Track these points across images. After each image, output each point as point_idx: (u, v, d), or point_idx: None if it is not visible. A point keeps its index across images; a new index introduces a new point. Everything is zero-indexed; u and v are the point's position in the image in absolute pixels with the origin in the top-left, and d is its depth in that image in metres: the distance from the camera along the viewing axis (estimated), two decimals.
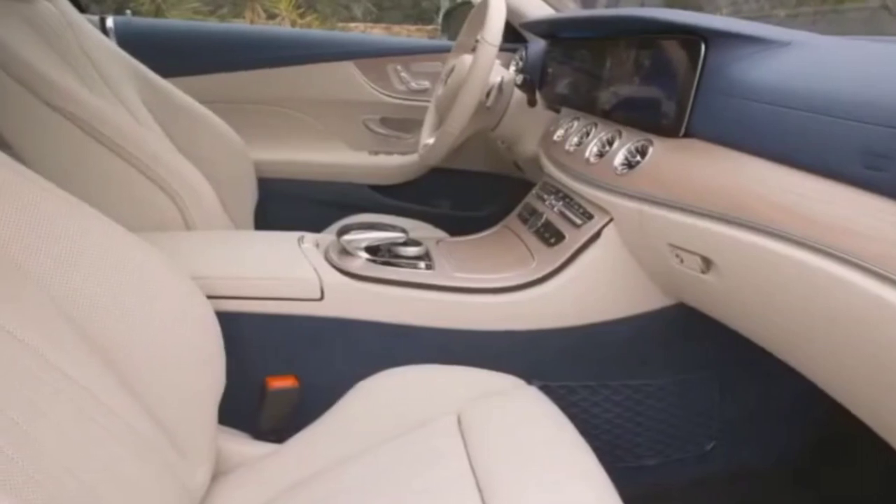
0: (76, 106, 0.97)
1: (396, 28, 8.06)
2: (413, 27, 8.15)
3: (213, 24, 3.19)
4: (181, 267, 0.72)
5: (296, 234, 1.03)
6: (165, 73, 1.31)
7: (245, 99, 1.59)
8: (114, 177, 1.00)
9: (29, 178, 0.60)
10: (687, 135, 0.77)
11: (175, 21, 3.46)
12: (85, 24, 1.19)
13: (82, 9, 1.40)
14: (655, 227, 0.81)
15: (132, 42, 1.38)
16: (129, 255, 0.66)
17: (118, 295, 0.62)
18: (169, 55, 1.48)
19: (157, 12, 6.01)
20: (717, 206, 0.69)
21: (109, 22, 1.48)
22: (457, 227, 1.37)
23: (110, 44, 1.26)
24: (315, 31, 3.98)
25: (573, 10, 1.57)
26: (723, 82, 0.72)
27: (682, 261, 0.78)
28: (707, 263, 0.74)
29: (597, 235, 0.91)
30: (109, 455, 0.53)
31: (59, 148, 0.98)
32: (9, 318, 0.50)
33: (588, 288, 0.93)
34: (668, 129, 0.79)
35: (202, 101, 1.34)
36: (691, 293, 0.86)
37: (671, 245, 0.78)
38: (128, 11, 5.33)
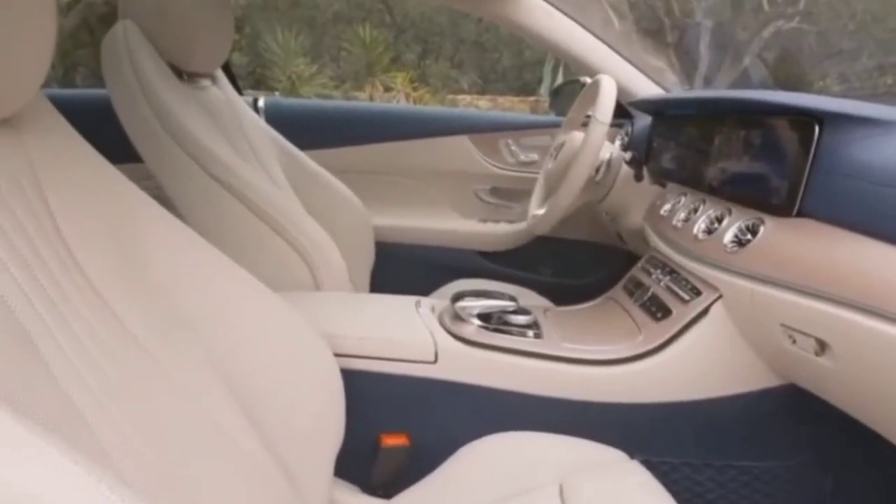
0: (230, 175, 1.10)
1: (500, 99, 8.32)
2: (516, 98, 8.37)
3: (346, 104, 3.64)
4: (313, 325, 0.79)
5: (413, 299, 1.10)
6: (303, 145, 1.48)
7: (369, 169, 1.73)
8: (258, 238, 1.12)
9: (195, 241, 0.70)
10: (800, 214, 0.76)
11: (313, 101, 3.97)
12: (242, 104, 1.37)
13: (240, 92, 1.62)
14: (767, 307, 0.80)
15: (277, 119, 1.56)
16: (271, 312, 0.74)
17: (259, 346, 0.70)
18: (306, 130, 1.64)
19: (292, 88, 6.65)
20: (835, 288, 0.67)
21: (261, 102, 1.69)
22: (559, 294, 1.40)
23: (260, 120, 1.44)
24: (434, 108, 4.35)
25: (682, 90, 1.60)
26: (838, 163, 0.72)
27: (794, 342, 0.77)
28: (822, 346, 0.72)
29: (705, 312, 0.91)
30: (237, 489, 0.59)
31: (213, 211, 1.11)
32: (172, 365, 0.59)
33: (694, 364, 0.92)
34: (781, 209, 0.79)
35: (332, 171, 1.48)
36: (804, 375, 0.84)
37: (784, 325, 0.77)
38: (276, 93, 6.04)
